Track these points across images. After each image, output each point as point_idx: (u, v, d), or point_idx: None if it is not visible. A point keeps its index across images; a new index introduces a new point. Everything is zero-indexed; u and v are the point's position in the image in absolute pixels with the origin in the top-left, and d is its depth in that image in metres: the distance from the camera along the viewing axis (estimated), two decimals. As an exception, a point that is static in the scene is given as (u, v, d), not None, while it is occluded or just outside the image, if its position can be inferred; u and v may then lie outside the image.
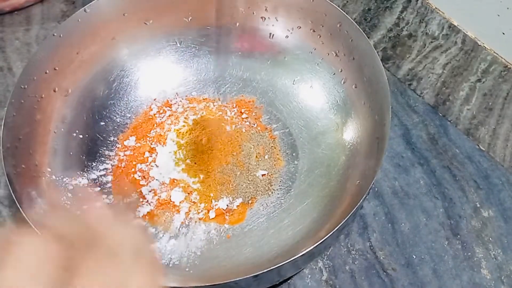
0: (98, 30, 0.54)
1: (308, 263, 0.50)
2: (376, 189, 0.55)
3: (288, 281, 0.50)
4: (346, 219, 0.41)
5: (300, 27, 0.57)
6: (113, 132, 0.56)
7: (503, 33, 0.63)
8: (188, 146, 0.55)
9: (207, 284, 0.39)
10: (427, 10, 0.68)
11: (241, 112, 0.58)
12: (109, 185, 0.53)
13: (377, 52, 0.60)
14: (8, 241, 0.23)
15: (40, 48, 0.50)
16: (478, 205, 0.55)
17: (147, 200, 0.52)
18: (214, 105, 0.58)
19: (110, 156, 0.54)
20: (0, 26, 0.65)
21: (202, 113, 0.57)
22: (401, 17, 0.68)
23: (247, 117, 0.57)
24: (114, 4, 0.54)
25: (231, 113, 0.58)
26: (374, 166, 0.47)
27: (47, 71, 0.51)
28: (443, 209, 0.54)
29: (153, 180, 0.53)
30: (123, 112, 0.57)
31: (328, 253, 0.52)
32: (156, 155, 0.55)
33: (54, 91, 0.52)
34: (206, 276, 0.47)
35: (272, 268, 0.39)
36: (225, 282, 0.39)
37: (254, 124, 0.57)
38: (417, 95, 0.62)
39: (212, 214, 0.51)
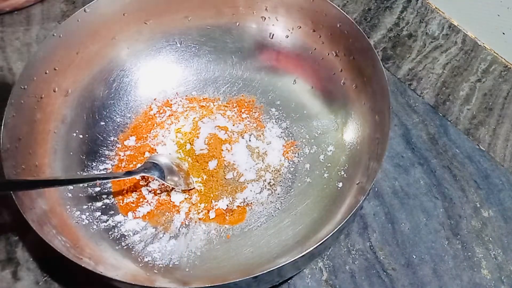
0: (98, 30, 0.54)
1: (308, 263, 0.50)
2: (376, 189, 0.55)
3: (288, 281, 0.50)
4: (346, 219, 0.41)
5: (300, 27, 0.57)
6: (113, 132, 0.56)
7: (503, 33, 0.63)
8: (188, 149, 0.55)
9: (207, 285, 0.39)
10: (427, 10, 0.68)
11: (241, 112, 0.58)
12: (109, 185, 0.53)
13: (377, 52, 0.60)
14: None
15: (40, 48, 0.50)
16: (478, 205, 0.55)
17: (147, 200, 0.52)
18: (214, 105, 0.58)
19: (110, 156, 0.54)
20: (0, 26, 0.65)
21: (202, 112, 0.57)
22: (401, 17, 0.67)
23: (247, 117, 0.57)
24: (114, 4, 0.54)
25: (231, 113, 0.58)
26: (374, 166, 0.47)
27: (47, 71, 0.51)
28: (443, 209, 0.54)
29: (153, 180, 0.53)
30: (123, 112, 0.57)
31: (328, 253, 0.52)
32: (156, 155, 0.55)
33: (54, 91, 0.52)
34: (206, 276, 0.47)
35: (272, 269, 0.39)
36: (225, 283, 0.39)
37: (254, 124, 0.57)
38: (417, 95, 0.62)
39: (212, 214, 0.51)
